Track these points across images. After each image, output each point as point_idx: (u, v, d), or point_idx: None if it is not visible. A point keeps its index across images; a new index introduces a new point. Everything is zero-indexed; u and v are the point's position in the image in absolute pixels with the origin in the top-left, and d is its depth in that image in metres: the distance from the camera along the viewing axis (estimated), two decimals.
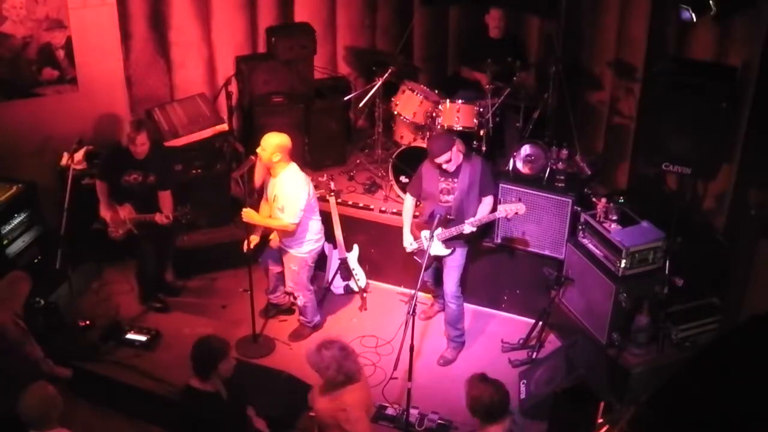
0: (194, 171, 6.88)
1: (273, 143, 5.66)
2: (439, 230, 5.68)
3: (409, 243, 5.94)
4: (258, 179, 5.93)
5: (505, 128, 7.08)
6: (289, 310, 6.52)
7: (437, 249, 5.76)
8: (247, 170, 6.18)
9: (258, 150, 5.70)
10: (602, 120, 7.02)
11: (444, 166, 5.64)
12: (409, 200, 5.99)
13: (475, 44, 7.23)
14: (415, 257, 5.98)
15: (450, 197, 5.75)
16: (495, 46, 6.99)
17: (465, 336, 6.23)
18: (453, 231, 5.70)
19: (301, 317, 6.34)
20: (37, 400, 4.18)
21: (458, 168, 5.69)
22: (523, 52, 7.12)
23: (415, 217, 6.01)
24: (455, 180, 5.71)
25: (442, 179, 5.73)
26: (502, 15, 6.97)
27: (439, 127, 6.81)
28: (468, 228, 5.67)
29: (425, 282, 6.17)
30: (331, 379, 4.43)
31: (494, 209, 5.79)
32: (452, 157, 5.61)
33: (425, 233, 5.80)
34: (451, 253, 5.81)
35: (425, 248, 5.65)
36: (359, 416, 4.44)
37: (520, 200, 5.80)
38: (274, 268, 6.24)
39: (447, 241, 5.76)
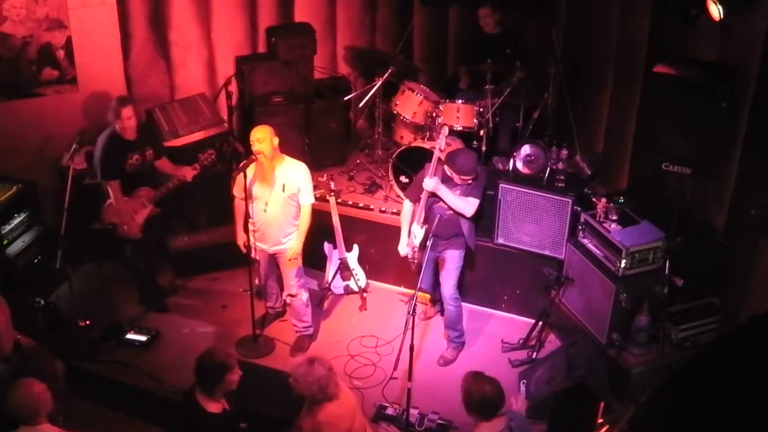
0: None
1: (266, 131, 5.67)
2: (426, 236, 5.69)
3: (402, 247, 5.94)
4: (249, 181, 5.80)
5: (500, 126, 7.09)
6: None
7: (419, 234, 5.78)
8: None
9: (256, 147, 5.62)
10: (602, 120, 7.02)
11: (460, 182, 5.62)
12: (407, 205, 5.96)
13: (473, 43, 7.24)
14: (409, 260, 5.99)
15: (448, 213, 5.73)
16: (492, 41, 7.01)
17: (464, 336, 6.23)
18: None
19: (300, 323, 6.21)
20: (26, 396, 4.13)
21: None
22: (523, 50, 7.13)
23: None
24: (456, 190, 5.70)
25: (439, 201, 5.74)
26: (489, 11, 7.00)
27: (438, 126, 6.82)
28: (428, 182, 5.60)
29: (422, 288, 6.16)
30: (311, 396, 4.47)
31: (477, 213, 5.78)
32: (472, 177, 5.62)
33: (415, 227, 5.82)
34: (426, 233, 5.77)
35: (416, 244, 5.67)
36: (334, 428, 4.44)
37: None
38: (271, 277, 6.21)
39: (446, 241, 5.76)
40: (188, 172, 6.15)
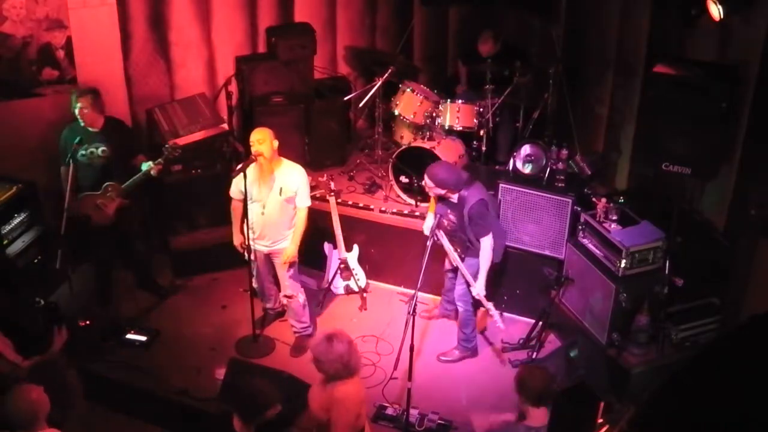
0: (194, 171, 6.88)
1: (266, 133, 5.67)
2: (441, 234, 5.68)
3: (426, 228, 5.90)
4: (249, 184, 5.79)
5: (500, 126, 7.09)
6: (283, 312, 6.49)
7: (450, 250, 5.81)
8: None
9: (255, 148, 5.62)
10: (602, 120, 7.02)
11: (426, 189, 5.64)
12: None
13: (474, 47, 7.24)
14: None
15: (450, 218, 5.73)
16: (493, 58, 7.00)
17: (473, 344, 6.16)
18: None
19: (299, 324, 6.21)
20: (24, 403, 4.09)
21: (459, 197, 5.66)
22: (523, 53, 7.12)
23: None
24: (453, 210, 5.68)
25: (440, 202, 5.73)
26: (491, 43, 6.97)
27: (438, 127, 6.82)
28: (475, 291, 5.71)
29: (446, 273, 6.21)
30: (332, 373, 4.39)
31: (496, 254, 5.77)
32: (442, 192, 5.58)
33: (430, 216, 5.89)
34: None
35: (433, 227, 5.65)
36: (347, 408, 4.39)
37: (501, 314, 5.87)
38: (268, 278, 6.20)
39: (460, 248, 5.80)
40: (155, 169, 6.12)
